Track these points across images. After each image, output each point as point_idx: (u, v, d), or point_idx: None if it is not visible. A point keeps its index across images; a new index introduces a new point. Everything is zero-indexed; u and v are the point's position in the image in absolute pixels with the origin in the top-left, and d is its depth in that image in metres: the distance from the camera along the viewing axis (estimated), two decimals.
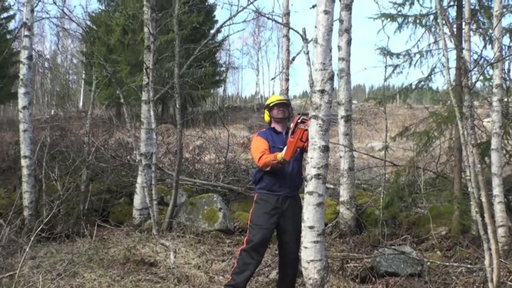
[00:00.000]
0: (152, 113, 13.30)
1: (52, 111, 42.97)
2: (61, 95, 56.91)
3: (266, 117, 8.55)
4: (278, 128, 8.35)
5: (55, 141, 16.03)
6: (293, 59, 15.88)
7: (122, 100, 13.66)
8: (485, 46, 13.29)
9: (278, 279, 8.46)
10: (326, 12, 7.62)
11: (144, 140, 13.80)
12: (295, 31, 8.98)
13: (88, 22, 41.82)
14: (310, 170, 7.61)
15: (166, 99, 38.49)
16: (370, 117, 46.02)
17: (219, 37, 40.89)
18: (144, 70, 13.62)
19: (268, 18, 14.26)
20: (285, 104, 8.37)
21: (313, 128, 7.55)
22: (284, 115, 8.34)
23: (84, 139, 14.47)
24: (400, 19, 13.63)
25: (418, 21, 13.59)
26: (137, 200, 13.82)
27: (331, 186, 15.85)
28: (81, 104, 53.31)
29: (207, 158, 20.25)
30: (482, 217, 6.09)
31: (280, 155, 7.84)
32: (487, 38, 12.58)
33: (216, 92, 55.92)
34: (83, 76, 47.83)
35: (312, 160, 7.59)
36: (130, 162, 16.29)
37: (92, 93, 14.85)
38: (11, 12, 41.13)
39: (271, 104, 8.34)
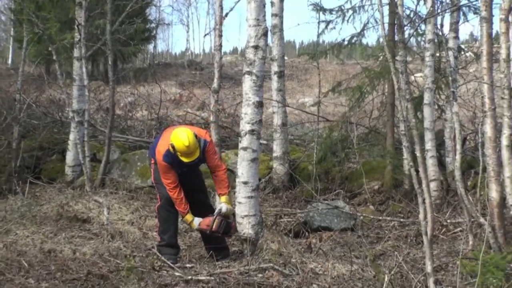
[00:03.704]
0: (84, 70, 13.14)
1: None
2: None
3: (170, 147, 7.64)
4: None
5: None
6: (226, 15, 15.75)
7: (54, 57, 13.55)
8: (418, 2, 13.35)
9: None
10: None
11: (77, 97, 13.62)
12: None
13: None
14: (244, 125, 7.60)
15: (96, 56, 37.70)
16: (301, 73, 45.89)
17: None
18: (76, 27, 13.42)
19: None
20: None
21: (247, 84, 7.53)
22: (191, 163, 7.69)
23: (16, 96, 14.18)
24: None
25: None
26: (69, 157, 13.64)
27: (264, 142, 15.83)
28: (10, 61, 52.12)
29: (139, 115, 20.10)
30: (417, 171, 6.13)
31: (191, 222, 7.81)
32: None
33: (147, 49, 55.22)
34: (12, 33, 46.68)
35: (246, 116, 7.57)
36: (62, 119, 16.05)
37: (23, 50, 14.50)
38: None
39: (177, 153, 7.50)
